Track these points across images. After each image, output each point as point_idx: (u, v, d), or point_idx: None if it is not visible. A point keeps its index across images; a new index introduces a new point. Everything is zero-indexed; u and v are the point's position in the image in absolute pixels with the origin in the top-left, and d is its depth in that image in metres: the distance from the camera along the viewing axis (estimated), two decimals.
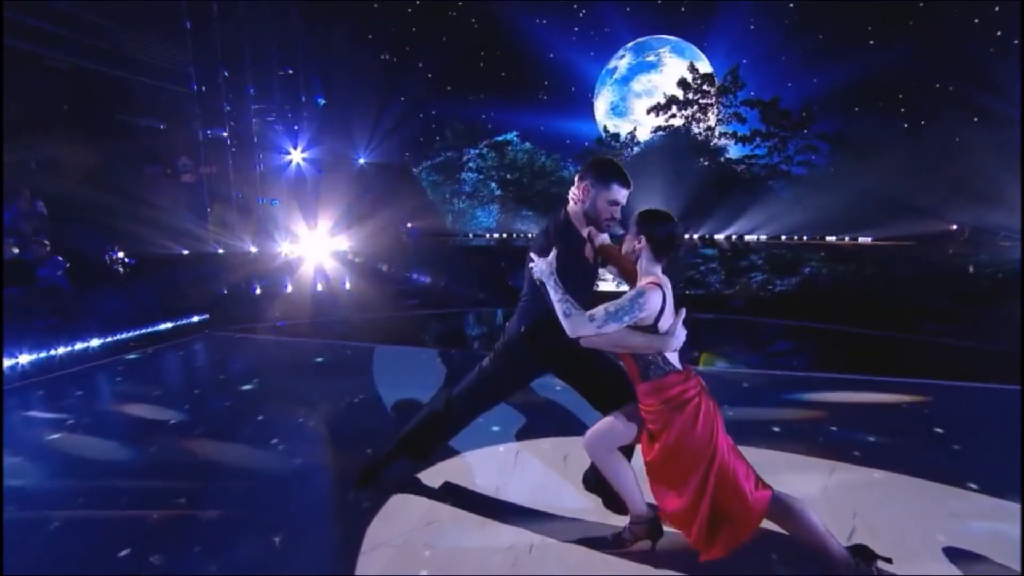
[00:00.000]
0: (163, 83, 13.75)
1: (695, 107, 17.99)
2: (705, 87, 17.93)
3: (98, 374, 4.98)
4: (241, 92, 15.74)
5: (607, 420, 2.20)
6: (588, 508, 2.54)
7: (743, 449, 2.07)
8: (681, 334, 2.03)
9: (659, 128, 18.09)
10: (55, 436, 3.58)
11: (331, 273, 11.09)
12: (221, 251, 11.39)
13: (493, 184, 19.24)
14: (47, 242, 7.66)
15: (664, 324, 1.99)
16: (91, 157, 11.27)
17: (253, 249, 11.91)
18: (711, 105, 17.89)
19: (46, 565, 2.22)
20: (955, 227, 15.22)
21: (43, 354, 5.29)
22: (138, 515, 2.56)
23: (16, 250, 6.42)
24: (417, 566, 2.16)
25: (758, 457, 2.97)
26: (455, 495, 2.68)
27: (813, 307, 7.60)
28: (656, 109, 18.07)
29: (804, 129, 16.94)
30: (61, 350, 5.42)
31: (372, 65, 18.79)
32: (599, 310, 1.97)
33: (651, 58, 19.81)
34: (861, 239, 16.62)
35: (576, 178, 2.29)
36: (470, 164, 19.46)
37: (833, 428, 3.44)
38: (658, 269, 2.07)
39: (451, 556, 2.22)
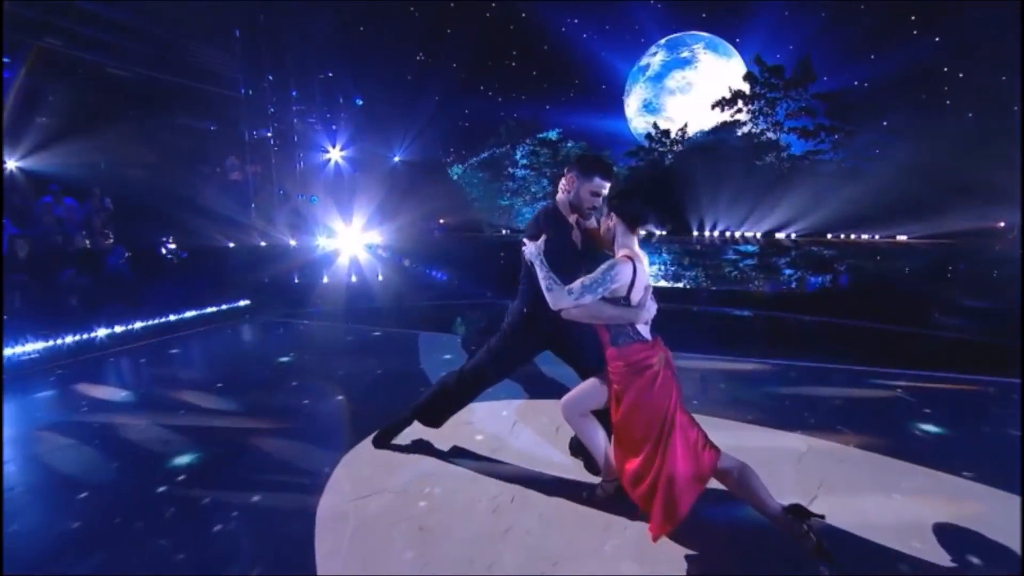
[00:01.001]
0: (214, 88, 14.68)
1: (762, 101, 17.22)
2: (773, 80, 16.98)
3: (156, 350, 5.57)
4: (284, 95, 16.58)
5: (581, 386, 2.43)
6: (570, 469, 2.78)
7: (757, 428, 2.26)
8: (652, 307, 2.21)
9: (723, 124, 17.51)
10: (126, 398, 4.10)
11: (364, 265, 11.62)
12: (263, 244, 12.08)
13: (545, 181, 19.23)
14: (111, 235, 8.45)
15: (635, 296, 2.17)
16: (150, 157, 12.23)
17: (292, 242, 12.56)
18: (779, 99, 16.98)
19: (133, 469, 2.65)
20: (1002, 224, 14.40)
21: (108, 331, 5.92)
22: (201, 447, 2.99)
23: (88, 242, 7.13)
24: (410, 510, 2.46)
25: (749, 431, 3.14)
26: (455, 453, 2.98)
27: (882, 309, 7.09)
28: (721, 104, 17.38)
29: (866, 122, 16.01)
30: (122, 329, 6.04)
31: (407, 68, 19.33)
32: (576, 284, 2.14)
33: (685, 54, 19.38)
34: (901, 236, 15.95)
35: (565, 171, 2.54)
36: (523, 161, 19.51)
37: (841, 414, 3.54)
38: (632, 243, 2.24)
39: (442, 502, 2.51)
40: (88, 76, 11.79)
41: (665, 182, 16.30)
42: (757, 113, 17.28)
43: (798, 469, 2.77)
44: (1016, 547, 2.12)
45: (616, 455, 2.28)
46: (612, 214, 2.25)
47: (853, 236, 16.38)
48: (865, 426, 3.29)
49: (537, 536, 2.23)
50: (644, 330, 2.21)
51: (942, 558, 2.08)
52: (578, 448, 2.82)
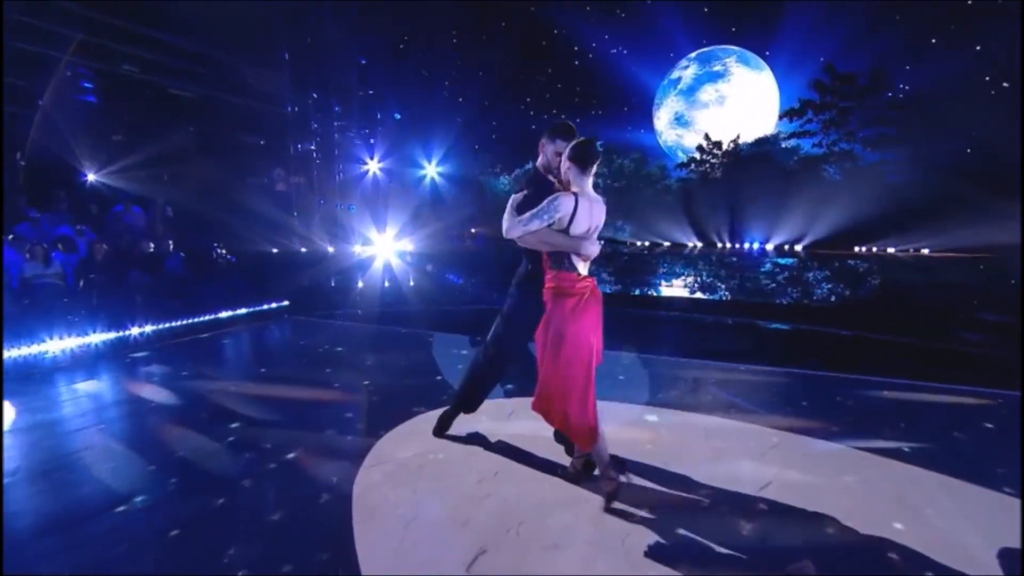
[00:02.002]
0: (264, 105, 15.82)
1: (833, 110, 16.36)
2: (845, 88, 16.15)
3: (207, 343, 6.27)
4: (327, 111, 17.65)
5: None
6: (551, 452, 3.14)
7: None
8: (593, 246, 2.51)
9: (791, 135, 17.00)
10: (184, 383, 4.73)
11: (396, 271, 12.26)
12: (304, 250, 12.92)
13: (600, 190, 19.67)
14: (171, 241, 9.35)
15: (575, 229, 2.50)
16: (206, 169, 13.32)
17: (330, 248, 13.36)
18: (853, 108, 16.12)
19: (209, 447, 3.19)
20: None
21: (165, 326, 6.66)
22: (247, 419, 3.52)
23: (151, 246, 7.97)
24: (409, 477, 2.87)
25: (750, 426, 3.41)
26: (456, 437, 3.36)
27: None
28: (790, 114, 16.66)
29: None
30: (178, 323, 6.77)
31: (442, 85, 20.13)
32: (526, 214, 2.49)
33: (718, 68, 19.25)
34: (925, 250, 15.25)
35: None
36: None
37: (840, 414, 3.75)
38: (585, 183, 2.54)
39: (436, 472, 2.92)
40: (155, 97, 13.04)
41: (722, 193, 16.07)
42: (828, 123, 16.40)
43: (764, 460, 3.02)
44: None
45: (540, 376, 2.60)
46: (566, 159, 2.55)
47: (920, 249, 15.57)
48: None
49: (511, 502, 2.60)
50: (580, 265, 2.55)
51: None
52: (561, 437, 3.17)
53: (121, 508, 2.60)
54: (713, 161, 17.69)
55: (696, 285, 11.54)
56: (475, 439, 3.33)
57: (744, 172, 16.22)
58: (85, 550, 2.27)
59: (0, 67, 8.74)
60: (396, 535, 2.36)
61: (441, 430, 3.37)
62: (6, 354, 5.00)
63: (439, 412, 3.42)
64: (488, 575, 2.08)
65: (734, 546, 2.26)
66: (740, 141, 17.54)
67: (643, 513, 2.48)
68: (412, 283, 11.41)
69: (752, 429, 3.48)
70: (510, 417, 3.68)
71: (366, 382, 4.54)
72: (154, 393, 4.40)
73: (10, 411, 3.95)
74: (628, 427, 3.47)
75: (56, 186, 9.70)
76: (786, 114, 17.08)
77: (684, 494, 2.66)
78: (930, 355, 5.65)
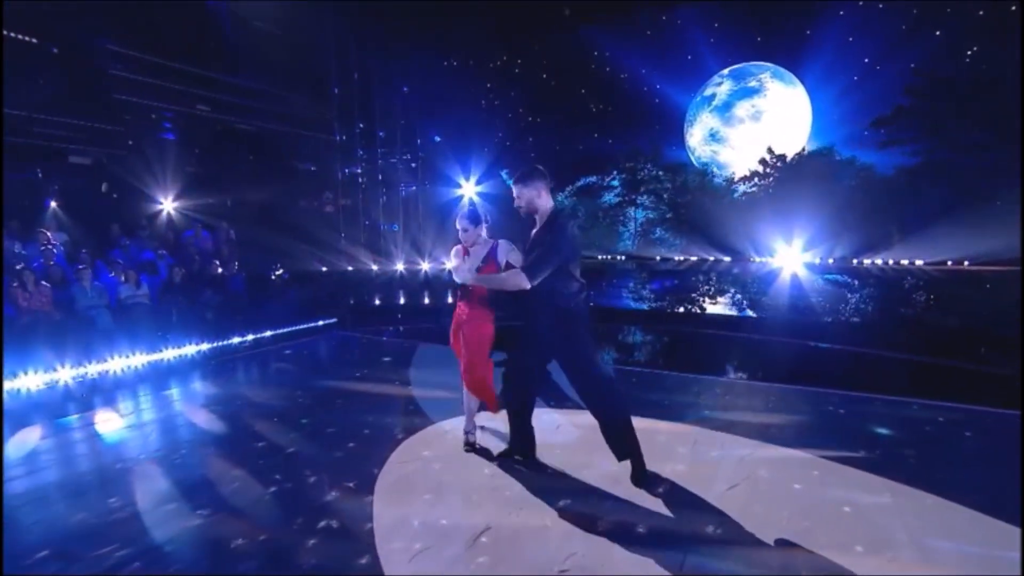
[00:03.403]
0: (314, 134, 17.19)
1: (934, 116, 15.07)
2: (941, 92, 14.86)
3: (266, 356, 7.14)
4: (371, 138, 18.91)
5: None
6: (553, 452, 3.62)
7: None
8: (459, 274, 3.26)
9: (886, 142, 15.94)
10: (249, 391, 5.56)
11: (438, 289, 12.97)
12: (350, 268, 13.86)
13: (664, 208, 19.14)
14: (236, 263, 10.43)
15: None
16: (264, 195, 14.62)
17: (374, 267, 14.27)
18: (949, 115, 14.79)
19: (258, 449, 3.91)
20: None
21: (230, 341, 7.59)
22: (303, 417, 4.24)
23: (220, 269, 8.98)
24: (431, 470, 3.45)
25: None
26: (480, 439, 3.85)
27: None
28: (879, 123, 15.73)
29: None
30: (237, 339, 7.66)
31: (477, 108, 21.07)
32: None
33: (753, 84, 19.17)
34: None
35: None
36: (648, 186, 19.36)
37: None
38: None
39: (455, 465, 3.50)
40: (221, 132, 14.50)
41: (793, 206, 15.65)
42: (930, 129, 15.20)
43: (720, 462, 3.39)
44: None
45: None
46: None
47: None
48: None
49: (515, 491, 3.12)
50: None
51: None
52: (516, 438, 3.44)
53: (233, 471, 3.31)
54: (776, 175, 17.45)
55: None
56: (494, 439, 3.85)
57: (812, 185, 15.72)
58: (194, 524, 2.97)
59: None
60: (415, 512, 2.92)
61: (526, 457, 3.42)
62: (132, 360, 6.04)
63: (459, 428, 3.85)
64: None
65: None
66: (804, 152, 17.01)
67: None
68: (451, 300, 11.96)
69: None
70: (558, 430, 3.98)
71: (400, 390, 5.19)
72: (238, 397, 5.23)
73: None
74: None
75: (140, 215, 11.06)
76: (876, 123, 15.77)
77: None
78: None
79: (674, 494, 2.98)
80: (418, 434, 4.09)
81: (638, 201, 19.42)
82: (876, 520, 2.69)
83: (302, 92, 16.04)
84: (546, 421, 4.10)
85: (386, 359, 6.60)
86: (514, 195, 2.93)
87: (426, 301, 11.80)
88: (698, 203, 17.80)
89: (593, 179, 20.22)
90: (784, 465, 3.35)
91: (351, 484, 3.27)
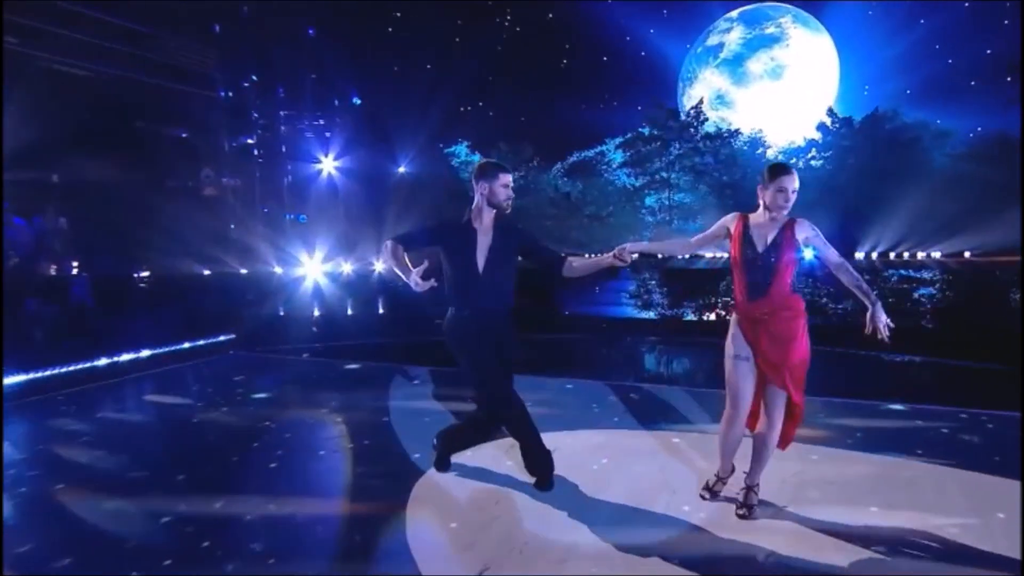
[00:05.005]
0: (187, 88, 15.94)
1: None
2: None
3: (121, 388, 6.04)
4: (270, 97, 17.84)
5: None
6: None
7: None
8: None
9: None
10: (81, 440, 4.51)
11: (363, 296, 12.19)
12: (244, 271, 12.81)
13: (704, 188, 18.71)
14: (75, 260, 9.20)
15: None
16: (112, 171, 13.21)
17: (278, 270, 13.26)
18: None
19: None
20: None
21: (66, 369, 6.43)
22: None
23: (53, 269, 7.84)
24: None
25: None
26: (463, 465, 3.68)
27: None
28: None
29: None
30: (84, 366, 6.55)
31: (416, 63, 20.48)
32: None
33: (771, 30, 18.58)
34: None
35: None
36: (683, 162, 18.85)
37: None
38: None
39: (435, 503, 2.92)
40: (40, 75, 12.93)
41: (868, 184, 15.71)
42: None
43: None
44: None
45: None
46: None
47: None
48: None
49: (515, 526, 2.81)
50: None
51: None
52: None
53: None
54: (845, 144, 17.19)
55: None
56: (472, 473, 3.67)
57: (893, 158, 15.81)
58: None
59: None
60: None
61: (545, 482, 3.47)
62: None
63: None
64: None
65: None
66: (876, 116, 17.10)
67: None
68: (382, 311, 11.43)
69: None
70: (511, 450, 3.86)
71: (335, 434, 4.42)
72: (41, 458, 4.18)
73: None
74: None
75: None
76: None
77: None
78: None
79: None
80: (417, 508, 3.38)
81: (671, 181, 19.15)
82: None
83: (169, 28, 14.84)
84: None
85: (297, 384, 6.09)
86: (510, 184, 3.31)
87: (348, 312, 11.41)
88: (751, 183, 17.44)
89: (590, 154, 19.92)
90: None
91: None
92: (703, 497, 3.19)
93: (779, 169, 2.93)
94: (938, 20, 17.00)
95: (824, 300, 9.92)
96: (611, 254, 3.16)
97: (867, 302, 2.85)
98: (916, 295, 10.53)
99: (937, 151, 16.76)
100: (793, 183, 2.91)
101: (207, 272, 12.46)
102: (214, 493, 3.43)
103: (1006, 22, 16.50)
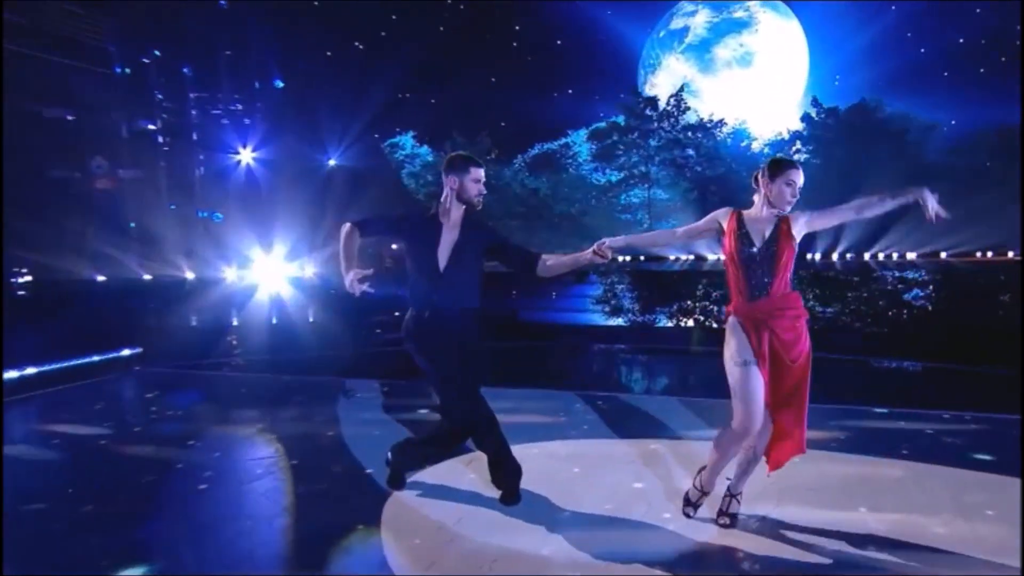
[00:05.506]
0: (74, 62, 15.32)
1: None
2: None
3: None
4: (176, 76, 17.36)
5: None
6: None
7: None
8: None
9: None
10: None
11: (290, 303, 12.10)
12: (148, 277, 12.46)
13: (687, 184, 19.33)
14: None
15: None
16: None
17: (189, 275, 12.93)
18: None
19: None
20: None
21: None
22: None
23: None
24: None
25: None
26: (421, 482, 3.74)
27: None
28: None
29: None
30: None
31: (345, 42, 20.35)
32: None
33: (739, 14, 19.30)
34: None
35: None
36: (663, 155, 19.38)
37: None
38: None
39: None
40: None
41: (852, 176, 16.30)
42: None
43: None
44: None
45: None
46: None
47: None
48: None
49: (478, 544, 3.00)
50: None
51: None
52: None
53: None
54: (831, 136, 18.04)
55: None
56: (432, 490, 3.73)
57: (882, 152, 16.65)
58: None
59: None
60: None
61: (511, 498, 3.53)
62: None
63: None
64: None
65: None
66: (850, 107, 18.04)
67: None
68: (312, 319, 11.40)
69: None
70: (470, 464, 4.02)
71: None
72: None
73: None
74: None
75: None
76: None
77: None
78: None
79: None
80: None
81: (651, 175, 19.40)
82: None
83: None
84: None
85: (226, 402, 6.06)
86: (482, 179, 3.40)
87: (273, 321, 11.42)
88: (737, 178, 17.90)
89: (553, 146, 20.15)
90: None
91: None
92: (687, 515, 3.24)
93: (787, 163, 3.09)
94: (909, 8, 18.15)
95: (811, 302, 10.40)
96: (590, 250, 3.23)
97: (908, 198, 2.96)
98: (907, 297, 11.14)
99: (928, 145, 17.85)
100: (801, 177, 3.05)
101: (102, 278, 12.05)
102: (131, 522, 3.36)
103: (978, 11, 17.85)
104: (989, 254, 17.80)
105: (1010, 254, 17.23)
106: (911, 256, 17.90)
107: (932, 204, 2.90)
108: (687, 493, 3.29)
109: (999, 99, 16.94)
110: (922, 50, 18.61)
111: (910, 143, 17.86)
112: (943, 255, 17.44)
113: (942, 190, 2.94)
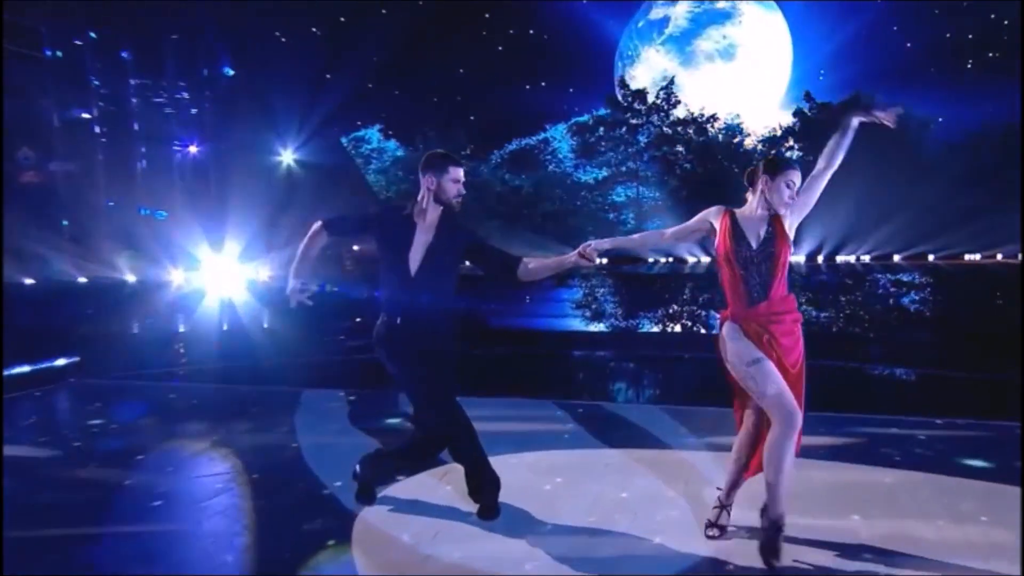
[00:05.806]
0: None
1: None
2: None
3: None
4: (115, 60, 17.08)
5: None
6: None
7: None
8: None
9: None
10: None
11: (242, 309, 12.05)
12: (83, 280, 12.36)
13: (676, 183, 19.50)
14: None
15: None
16: None
17: (130, 278, 12.82)
18: None
19: None
20: None
21: None
22: None
23: None
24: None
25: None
26: (392, 497, 3.79)
27: None
28: None
29: None
30: None
31: (302, 27, 20.21)
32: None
33: (721, 4, 19.75)
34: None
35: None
36: (652, 151, 19.62)
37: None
38: None
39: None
40: None
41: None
42: None
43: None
44: None
45: None
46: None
47: None
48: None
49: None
50: None
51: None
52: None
53: None
54: (822, 131, 18.36)
55: None
56: (404, 505, 3.77)
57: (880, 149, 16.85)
58: None
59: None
60: None
61: (491, 509, 3.55)
62: None
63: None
64: None
65: None
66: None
67: None
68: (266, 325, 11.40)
69: None
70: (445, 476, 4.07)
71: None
72: None
73: None
74: None
75: None
76: None
77: None
78: None
79: None
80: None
81: (640, 173, 19.62)
82: None
83: None
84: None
85: (177, 413, 6.05)
86: (462, 179, 3.39)
87: (224, 327, 11.49)
88: (728, 175, 18.05)
89: (532, 141, 20.23)
90: None
91: None
92: (711, 536, 3.20)
93: (787, 162, 3.20)
94: (894, 2, 18.76)
95: (804, 307, 10.66)
96: (575, 253, 3.30)
97: (858, 118, 3.16)
98: (903, 302, 11.47)
99: (927, 141, 18.35)
100: (799, 177, 3.13)
101: (30, 280, 11.88)
102: (77, 545, 3.34)
103: (964, 3, 18.53)
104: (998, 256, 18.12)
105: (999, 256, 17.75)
106: (896, 258, 18.27)
107: (879, 112, 3.10)
108: (762, 530, 3.10)
109: (988, 96, 17.60)
110: (908, 45, 19.23)
111: (908, 143, 18.37)
112: (931, 257, 17.91)
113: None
